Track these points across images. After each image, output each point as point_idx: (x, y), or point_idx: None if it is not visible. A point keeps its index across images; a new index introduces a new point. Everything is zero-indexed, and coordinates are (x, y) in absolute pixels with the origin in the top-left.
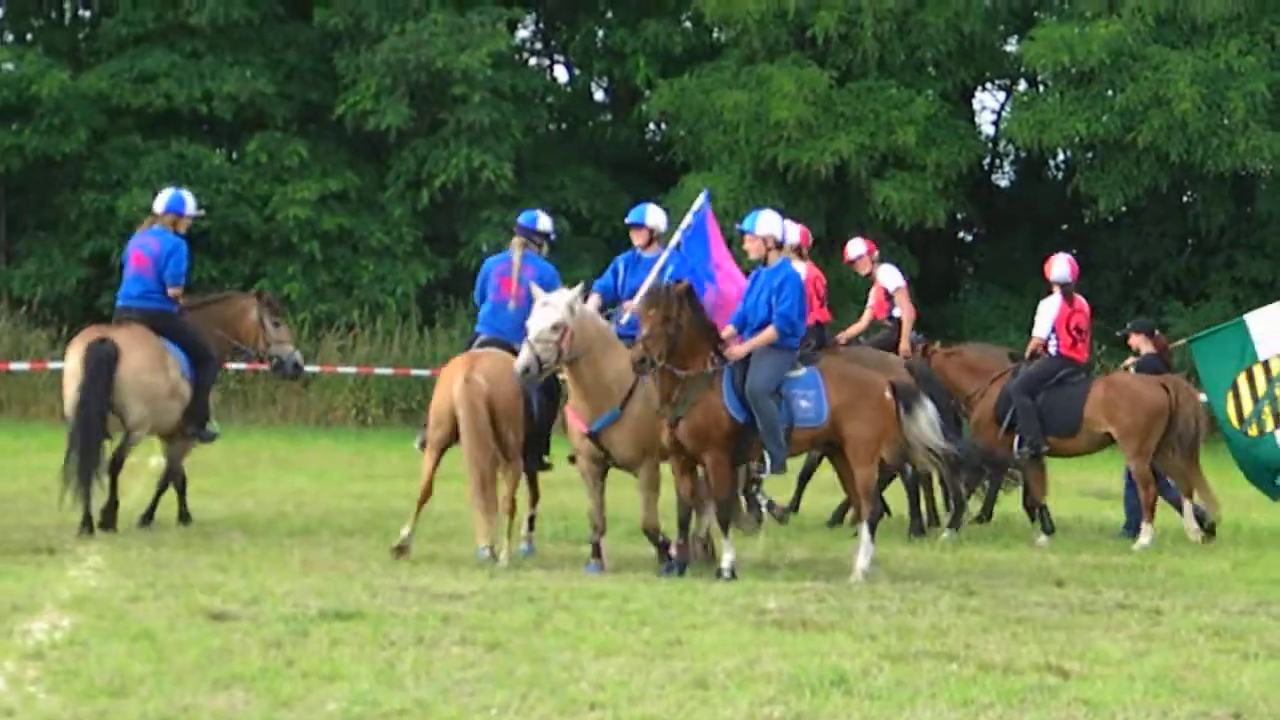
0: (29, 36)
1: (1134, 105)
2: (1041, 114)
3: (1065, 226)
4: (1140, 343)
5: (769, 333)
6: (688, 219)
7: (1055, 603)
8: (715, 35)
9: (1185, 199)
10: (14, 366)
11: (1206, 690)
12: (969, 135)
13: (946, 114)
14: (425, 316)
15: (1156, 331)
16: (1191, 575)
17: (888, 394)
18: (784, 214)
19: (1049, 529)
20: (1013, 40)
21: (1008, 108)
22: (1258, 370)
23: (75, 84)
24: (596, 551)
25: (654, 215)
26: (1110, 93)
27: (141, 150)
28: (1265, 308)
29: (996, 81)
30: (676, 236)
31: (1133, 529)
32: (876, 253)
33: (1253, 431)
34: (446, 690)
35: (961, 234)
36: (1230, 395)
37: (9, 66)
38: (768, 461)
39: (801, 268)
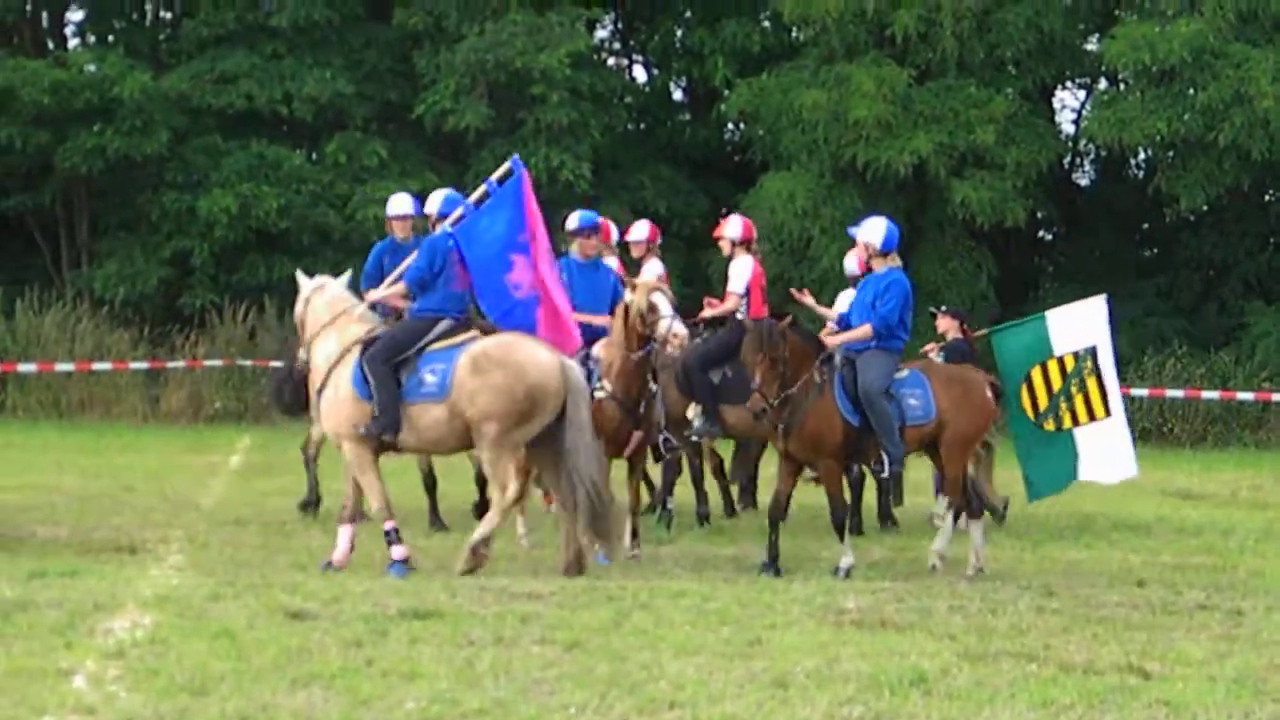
0: (110, 38)
1: (1215, 104)
2: (1122, 112)
3: (1146, 225)
4: (948, 327)
5: (864, 330)
6: (481, 189)
7: (1136, 603)
8: (794, 35)
9: (1267, 198)
10: (96, 366)
11: None
12: (1049, 134)
13: (1026, 113)
14: None
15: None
16: (1273, 576)
17: (989, 393)
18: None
19: (732, 510)
20: (1093, 39)
21: (1088, 106)
22: (1053, 366)
23: (156, 85)
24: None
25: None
26: (1191, 91)
27: (222, 151)
28: (1065, 306)
29: (1077, 80)
30: (459, 210)
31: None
32: (658, 241)
33: (1049, 426)
34: (525, 689)
35: (1041, 233)
36: (1024, 388)
37: (91, 68)
38: (885, 461)
39: (748, 261)
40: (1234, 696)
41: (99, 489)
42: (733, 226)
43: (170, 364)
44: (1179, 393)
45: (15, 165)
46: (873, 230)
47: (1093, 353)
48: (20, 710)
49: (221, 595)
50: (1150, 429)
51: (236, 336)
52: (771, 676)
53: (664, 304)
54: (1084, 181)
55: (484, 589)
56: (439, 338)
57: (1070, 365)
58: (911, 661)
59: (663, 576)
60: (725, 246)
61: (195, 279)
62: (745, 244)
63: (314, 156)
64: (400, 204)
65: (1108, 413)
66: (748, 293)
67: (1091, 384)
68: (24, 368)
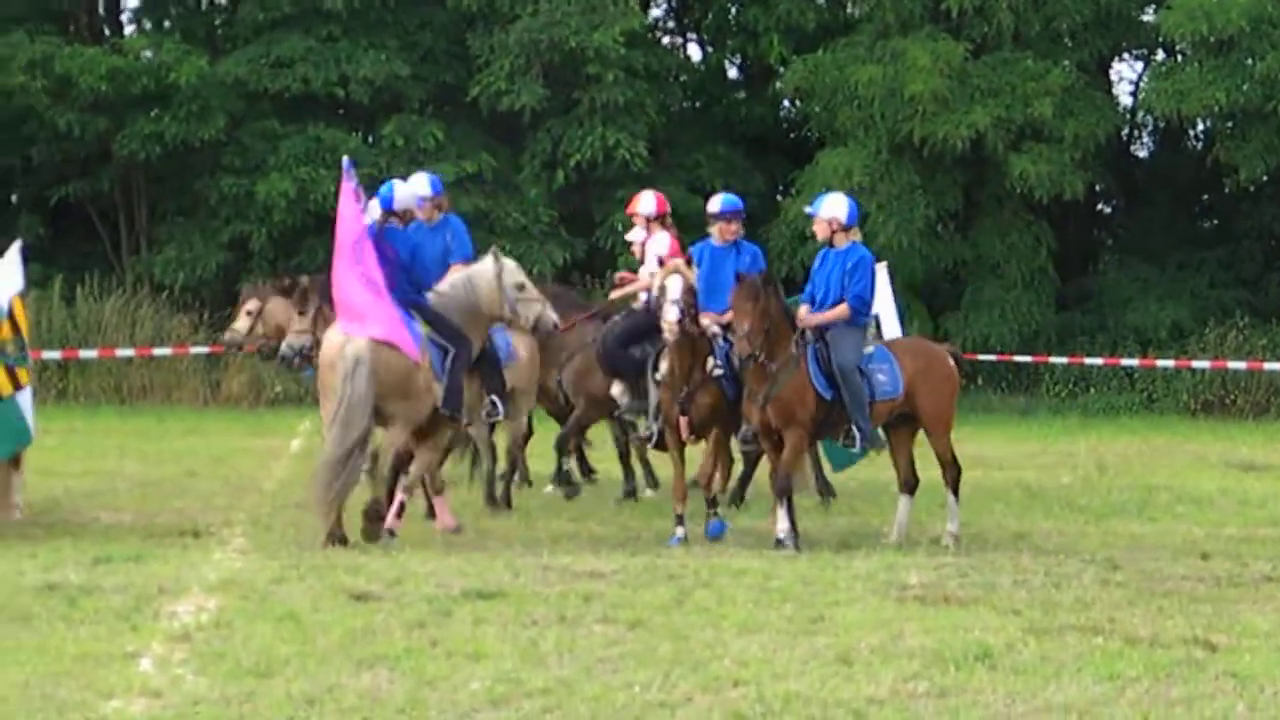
0: (166, 24)
1: (1274, 73)
2: (1180, 83)
3: (1205, 197)
4: None
5: (842, 309)
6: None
7: (1201, 575)
8: (848, 10)
9: None
10: (157, 352)
11: None
12: (1106, 106)
13: (1083, 85)
14: None
15: None
16: None
17: (951, 362)
18: (917, 188)
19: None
20: (1150, 9)
21: (1146, 78)
22: None
23: (213, 70)
24: None
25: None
26: (1250, 61)
27: (279, 134)
28: None
29: (1134, 51)
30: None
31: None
32: None
33: None
34: (589, 669)
35: (1100, 206)
36: None
37: (148, 54)
38: (856, 436)
39: (665, 238)
40: None
41: (161, 474)
42: (646, 202)
43: None
44: (1241, 364)
45: (74, 152)
46: (836, 206)
47: (876, 319)
48: (87, 694)
49: (285, 578)
50: (1213, 401)
51: None
52: (835, 653)
53: (673, 288)
54: (1142, 153)
55: (546, 568)
56: None
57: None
58: (976, 636)
59: (723, 554)
60: (639, 223)
61: (254, 263)
62: (660, 219)
63: (370, 139)
64: (419, 185)
65: None
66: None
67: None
68: (85, 354)
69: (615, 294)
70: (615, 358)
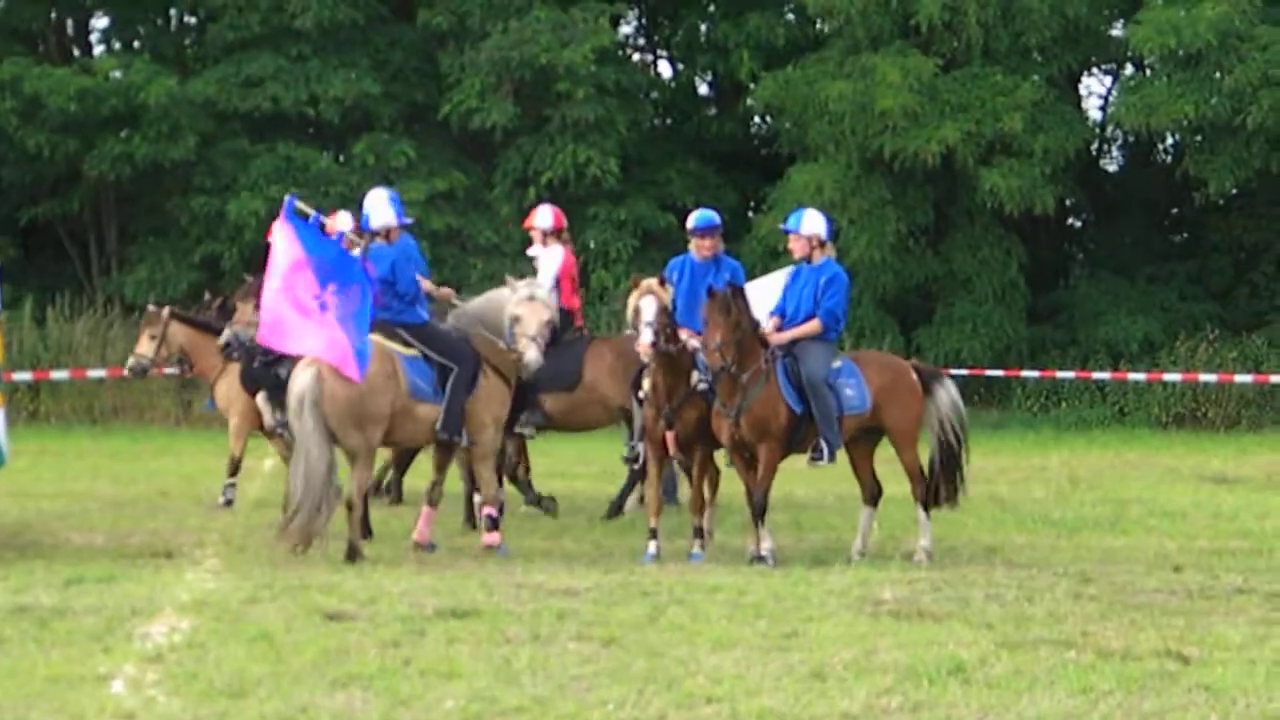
0: (136, 44)
1: (1243, 86)
2: (1149, 97)
3: (1175, 210)
4: None
5: (813, 325)
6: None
7: (1173, 588)
8: (818, 26)
9: None
10: (128, 372)
11: None
12: (1076, 120)
13: (1053, 99)
14: None
15: None
16: None
17: (914, 376)
18: (889, 203)
19: (533, 500)
20: (1119, 24)
21: (1115, 92)
22: None
23: (182, 90)
24: None
25: None
26: (1218, 74)
27: (249, 154)
28: None
29: (1103, 66)
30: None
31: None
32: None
33: None
34: (563, 686)
35: (1071, 220)
36: None
37: (117, 74)
38: (824, 449)
39: (559, 252)
40: (1274, 680)
41: (134, 494)
42: (543, 217)
43: None
44: (1212, 377)
45: (44, 173)
46: (815, 222)
47: None
48: (60, 717)
49: (258, 598)
50: (1184, 413)
51: None
52: (809, 668)
53: (647, 309)
54: (1112, 167)
55: (520, 586)
56: None
57: None
58: (949, 651)
59: (697, 571)
60: (537, 237)
61: (225, 283)
62: (557, 233)
63: (341, 158)
64: (380, 200)
65: None
66: (557, 283)
67: None
68: (57, 375)
69: None
70: None
